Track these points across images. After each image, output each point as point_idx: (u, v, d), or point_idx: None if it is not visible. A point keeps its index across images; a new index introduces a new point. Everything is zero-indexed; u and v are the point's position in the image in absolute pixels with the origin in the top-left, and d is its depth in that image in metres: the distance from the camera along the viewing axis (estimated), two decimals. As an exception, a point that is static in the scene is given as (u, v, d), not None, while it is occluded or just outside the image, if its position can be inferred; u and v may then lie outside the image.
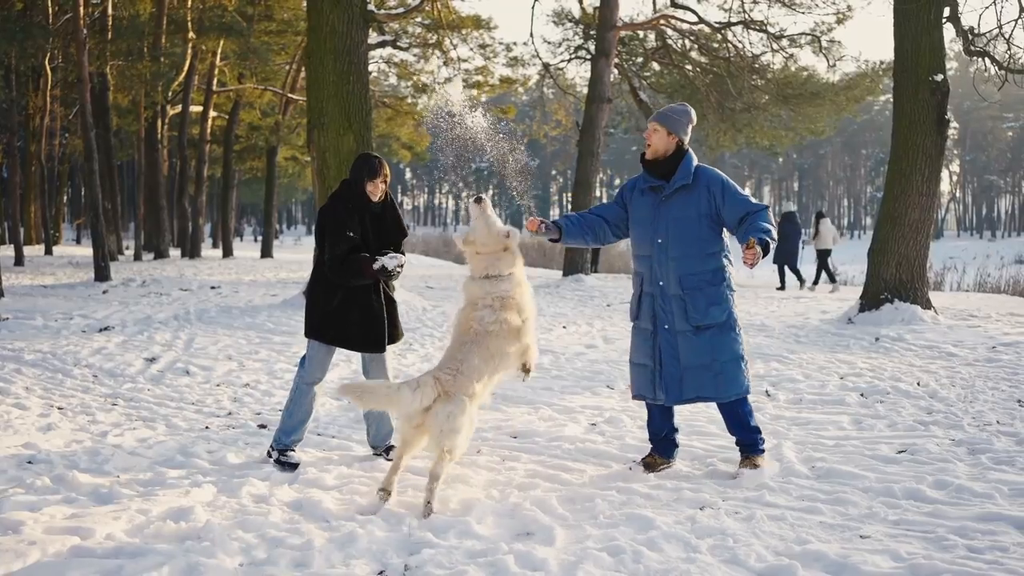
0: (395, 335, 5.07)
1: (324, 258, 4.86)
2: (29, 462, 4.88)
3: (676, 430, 4.91)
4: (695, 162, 4.70)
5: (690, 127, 4.74)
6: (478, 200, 4.58)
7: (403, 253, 4.99)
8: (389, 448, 5.09)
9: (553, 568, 3.43)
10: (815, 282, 17.68)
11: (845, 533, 3.82)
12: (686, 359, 4.61)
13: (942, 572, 3.36)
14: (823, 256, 17.70)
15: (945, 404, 6.35)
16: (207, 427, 5.86)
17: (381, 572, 3.43)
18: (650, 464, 4.83)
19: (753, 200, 4.64)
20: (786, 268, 17.27)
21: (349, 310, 4.88)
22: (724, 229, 4.70)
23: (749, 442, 4.75)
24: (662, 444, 4.87)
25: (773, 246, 4.50)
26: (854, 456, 5.01)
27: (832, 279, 17.71)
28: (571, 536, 3.79)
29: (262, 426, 5.88)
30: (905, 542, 3.70)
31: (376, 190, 4.91)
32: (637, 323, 4.81)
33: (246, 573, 3.41)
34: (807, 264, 19.17)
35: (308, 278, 4.78)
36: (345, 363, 7.94)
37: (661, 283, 4.65)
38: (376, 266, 4.79)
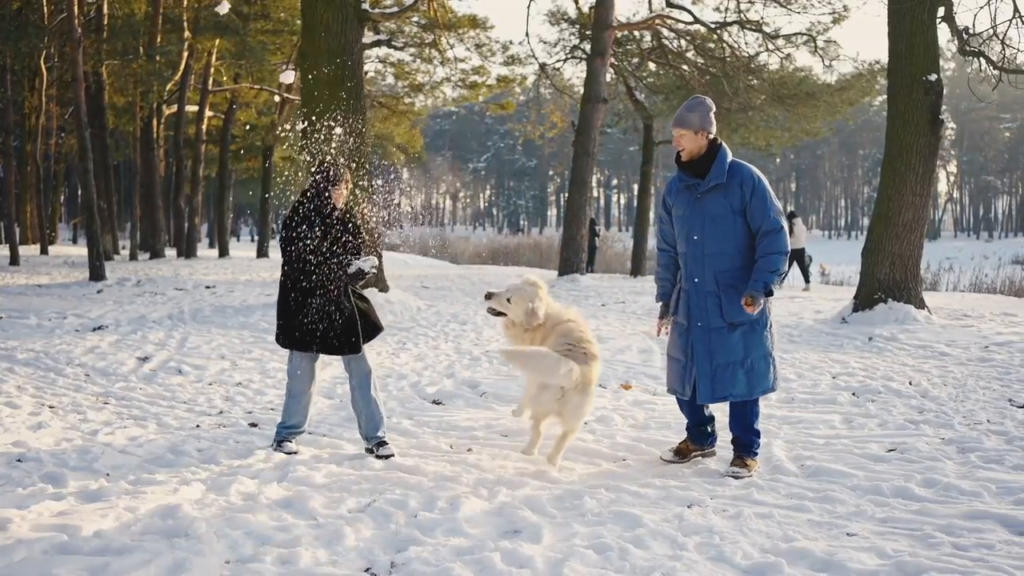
0: (374, 330, 5.16)
1: (291, 267, 5.00)
2: (19, 460, 4.87)
3: (712, 419, 4.92)
4: (729, 158, 4.68)
5: (711, 114, 4.70)
6: (488, 296, 5.00)
7: (373, 256, 5.16)
8: (380, 444, 5.08)
9: (539, 565, 3.43)
10: (807, 281, 17.76)
11: (832, 531, 3.83)
12: (719, 356, 4.61)
13: (927, 569, 3.37)
14: (798, 255, 17.76)
15: (936, 403, 6.36)
16: (198, 425, 5.85)
17: (367, 569, 3.43)
18: (682, 451, 4.88)
19: (774, 213, 4.59)
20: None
21: (324, 317, 4.99)
22: None
23: (746, 442, 4.76)
24: (696, 433, 4.89)
25: (780, 279, 4.58)
26: (843, 455, 5.02)
27: (807, 279, 17.85)
28: (558, 534, 3.80)
29: (253, 424, 5.88)
30: (892, 539, 3.70)
31: (340, 196, 5.08)
32: (675, 318, 4.84)
33: (232, 570, 3.40)
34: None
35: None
36: (339, 361, 7.92)
37: (696, 279, 4.66)
38: (352, 269, 4.96)
